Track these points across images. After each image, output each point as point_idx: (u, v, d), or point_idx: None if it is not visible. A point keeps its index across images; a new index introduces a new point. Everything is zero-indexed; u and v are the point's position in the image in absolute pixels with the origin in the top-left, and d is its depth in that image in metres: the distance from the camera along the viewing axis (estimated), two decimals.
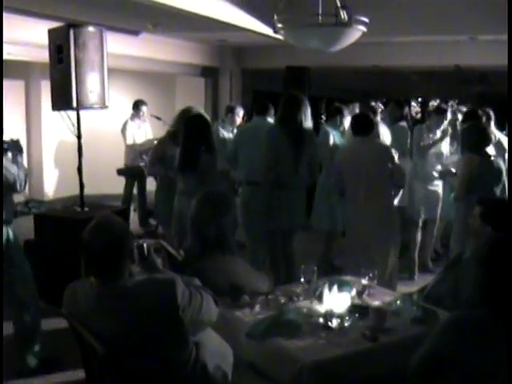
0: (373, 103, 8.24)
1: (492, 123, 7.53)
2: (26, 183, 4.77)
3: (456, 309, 3.22)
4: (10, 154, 4.68)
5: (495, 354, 2.52)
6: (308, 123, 5.88)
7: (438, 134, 7.29)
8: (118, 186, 9.87)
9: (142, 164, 9.41)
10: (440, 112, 7.48)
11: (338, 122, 7.45)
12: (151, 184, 9.24)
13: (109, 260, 2.85)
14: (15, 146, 4.77)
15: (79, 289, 3.01)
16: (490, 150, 6.40)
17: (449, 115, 7.60)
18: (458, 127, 7.37)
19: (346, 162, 5.90)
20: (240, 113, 8.55)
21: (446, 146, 7.38)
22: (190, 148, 5.77)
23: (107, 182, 10.01)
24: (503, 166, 5.90)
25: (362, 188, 5.77)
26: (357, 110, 8.51)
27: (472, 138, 5.99)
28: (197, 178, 5.65)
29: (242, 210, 6.21)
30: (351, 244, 6.01)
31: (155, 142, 8.89)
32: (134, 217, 9.51)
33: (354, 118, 6.24)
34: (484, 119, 7.34)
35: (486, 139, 5.93)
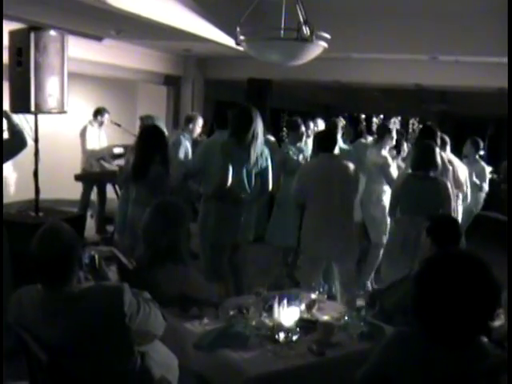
0: (336, 119, 8.22)
1: (448, 148, 7.61)
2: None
3: (404, 325, 3.25)
4: None
5: (433, 372, 2.55)
6: (261, 136, 5.86)
7: (384, 152, 7.38)
8: (75, 191, 9.76)
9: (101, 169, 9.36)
10: (382, 132, 7.61)
11: (297, 137, 7.44)
12: (109, 192, 9.21)
13: (57, 268, 2.83)
14: None
15: (25, 295, 2.98)
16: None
17: (394, 134, 7.70)
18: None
19: (313, 178, 5.87)
20: (200, 122, 8.46)
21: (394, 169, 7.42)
22: (143, 157, 5.77)
23: (65, 187, 9.88)
24: (449, 189, 5.96)
25: (329, 204, 5.76)
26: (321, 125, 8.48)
27: (413, 157, 6.10)
28: (148, 188, 5.65)
29: (201, 222, 6.17)
30: (310, 258, 6.01)
31: (113, 148, 8.86)
32: (90, 223, 9.44)
33: (319, 134, 6.26)
34: (439, 143, 7.45)
35: (425, 160, 5.95)
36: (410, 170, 6.15)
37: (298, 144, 7.44)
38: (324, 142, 5.96)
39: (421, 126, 10.02)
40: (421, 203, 5.75)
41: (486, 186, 8.93)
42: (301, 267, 6.25)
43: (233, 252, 6.04)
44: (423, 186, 5.89)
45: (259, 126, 5.80)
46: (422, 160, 5.95)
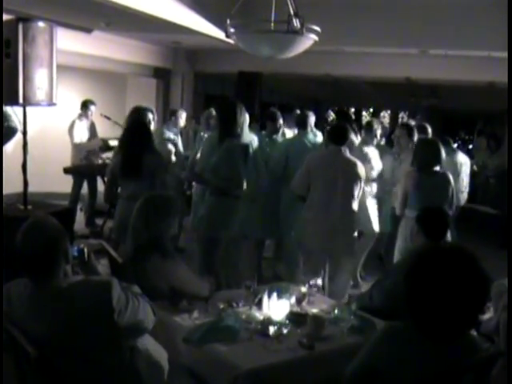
0: (307, 111, 8.13)
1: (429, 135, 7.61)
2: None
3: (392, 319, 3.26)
4: None
5: (424, 365, 2.55)
6: (246, 128, 5.86)
7: (370, 149, 7.34)
8: (65, 184, 9.71)
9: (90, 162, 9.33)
10: (369, 128, 7.59)
11: (272, 128, 7.41)
12: (99, 185, 9.17)
13: (42, 262, 2.80)
14: None
15: (14, 289, 2.95)
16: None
17: (378, 131, 7.67)
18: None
19: (320, 168, 5.85)
20: (183, 115, 8.57)
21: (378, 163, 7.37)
22: (132, 153, 5.71)
23: (55, 180, 9.82)
24: (451, 181, 5.98)
25: (332, 197, 5.75)
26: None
27: (419, 155, 6.07)
28: (140, 183, 5.60)
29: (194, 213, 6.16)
30: (309, 251, 5.98)
31: (101, 141, 8.85)
32: (80, 216, 9.40)
33: (334, 128, 6.24)
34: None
35: (433, 157, 5.93)
36: (412, 167, 6.11)
37: (274, 136, 7.40)
38: (335, 135, 5.95)
39: (412, 121, 9.97)
40: (430, 199, 5.76)
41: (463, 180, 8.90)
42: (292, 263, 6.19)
43: (229, 246, 6.02)
44: (432, 182, 5.89)
45: (246, 119, 5.83)
46: (430, 157, 5.94)
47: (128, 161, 5.72)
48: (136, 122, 6.23)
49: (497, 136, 12.73)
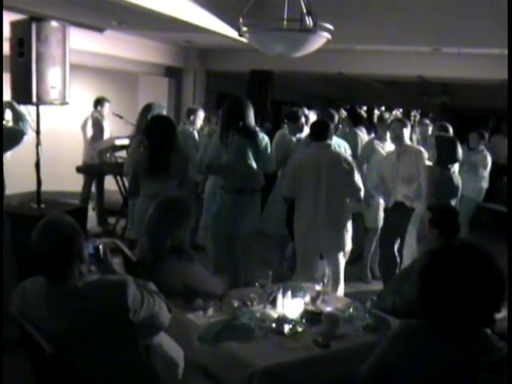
0: (332, 110, 8.13)
1: None
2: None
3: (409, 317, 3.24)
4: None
5: (439, 363, 2.54)
6: (252, 125, 5.85)
7: (387, 143, 7.32)
8: (77, 183, 9.73)
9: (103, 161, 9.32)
10: (382, 122, 7.57)
11: (297, 128, 7.42)
12: (111, 184, 9.17)
13: (57, 260, 2.80)
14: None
15: (29, 287, 2.95)
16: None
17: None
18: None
19: (304, 166, 5.84)
20: (201, 115, 8.46)
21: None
22: (161, 149, 5.66)
23: (67, 179, 9.84)
24: (460, 182, 5.97)
25: (318, 193, 5.72)
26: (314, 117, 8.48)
27: (442, 151, 6.04)
28: (165, 182, 5.58)
29: (206, 212, 6.20)
30: (302, 250, 5.98)
31: (115, 140, 8.80)
32: (92, 215, 9.41)
33: (314, 124, 6.23)
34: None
35: (455, 155, 5.94)
36: (432, 163, 6.09)
37: (298, 135, 7.40)
38: (317, 131, 5.93)
39: (427, 122, 9.89)
40: (444, 194, 5.75)
41: (486, 175, 8.98)
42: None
43: (244, 243, 6.04)
44: (449, 178, 5.88)
45: (251, 115, 5.83)
46: (452, 155, 5.90)
47: (156, 159, 5.67)
48: (161, 119, 6.18)
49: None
